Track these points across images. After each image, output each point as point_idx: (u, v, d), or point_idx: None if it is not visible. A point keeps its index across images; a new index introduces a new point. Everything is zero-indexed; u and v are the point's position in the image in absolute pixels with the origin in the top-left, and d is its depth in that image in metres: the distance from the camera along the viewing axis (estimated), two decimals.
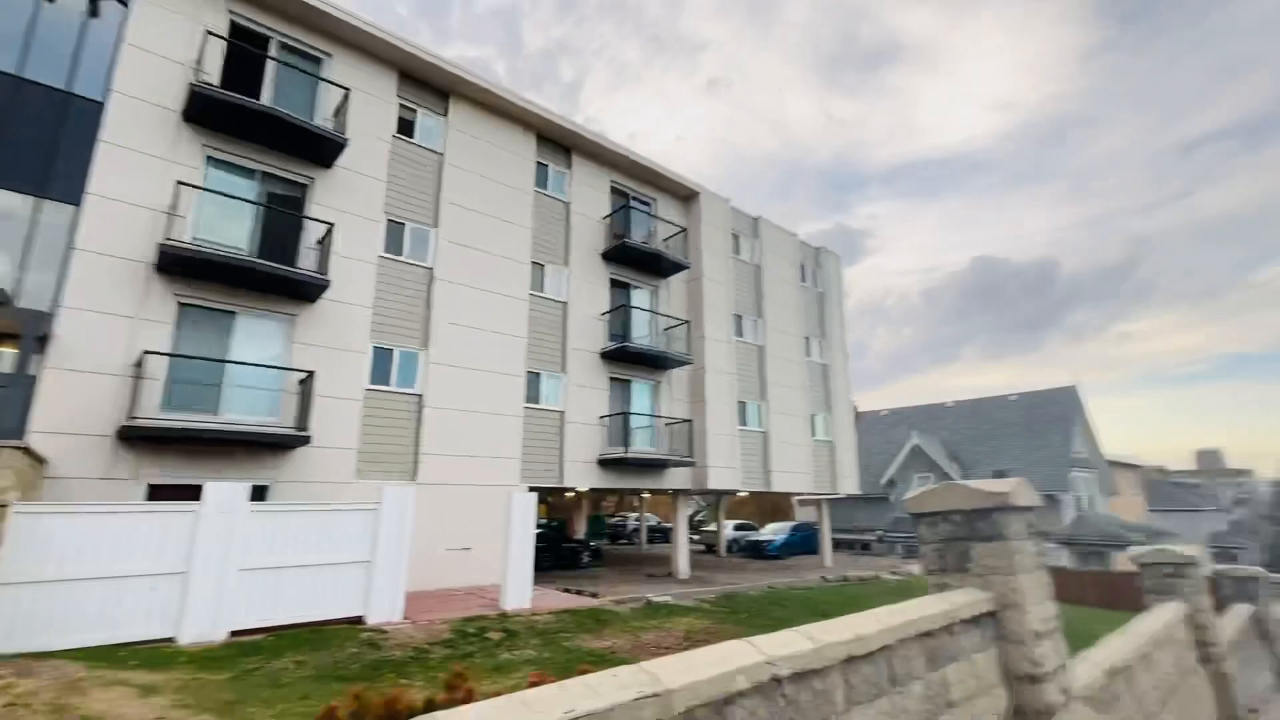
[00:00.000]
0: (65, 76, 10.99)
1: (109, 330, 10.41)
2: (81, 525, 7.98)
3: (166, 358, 10.84)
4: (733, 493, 23.01)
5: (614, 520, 35.69)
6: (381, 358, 13.71)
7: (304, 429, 11.62)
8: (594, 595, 13.67)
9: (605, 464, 17.03)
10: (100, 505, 8.51)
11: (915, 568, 22.31)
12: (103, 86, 11.10)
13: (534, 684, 1.82)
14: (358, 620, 9.77)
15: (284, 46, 13.40)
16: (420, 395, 14.08)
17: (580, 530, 27.96)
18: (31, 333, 9.75)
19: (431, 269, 14.76)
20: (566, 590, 14.22)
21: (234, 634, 8.65)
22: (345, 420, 12.78)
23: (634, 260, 18.72)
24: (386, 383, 13.68)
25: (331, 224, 12.74)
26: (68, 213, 10.52)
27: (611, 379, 17.92)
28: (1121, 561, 26.10)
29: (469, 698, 3.92)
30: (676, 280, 20.22)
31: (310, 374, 11.93)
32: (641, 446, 17.96)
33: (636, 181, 19.96)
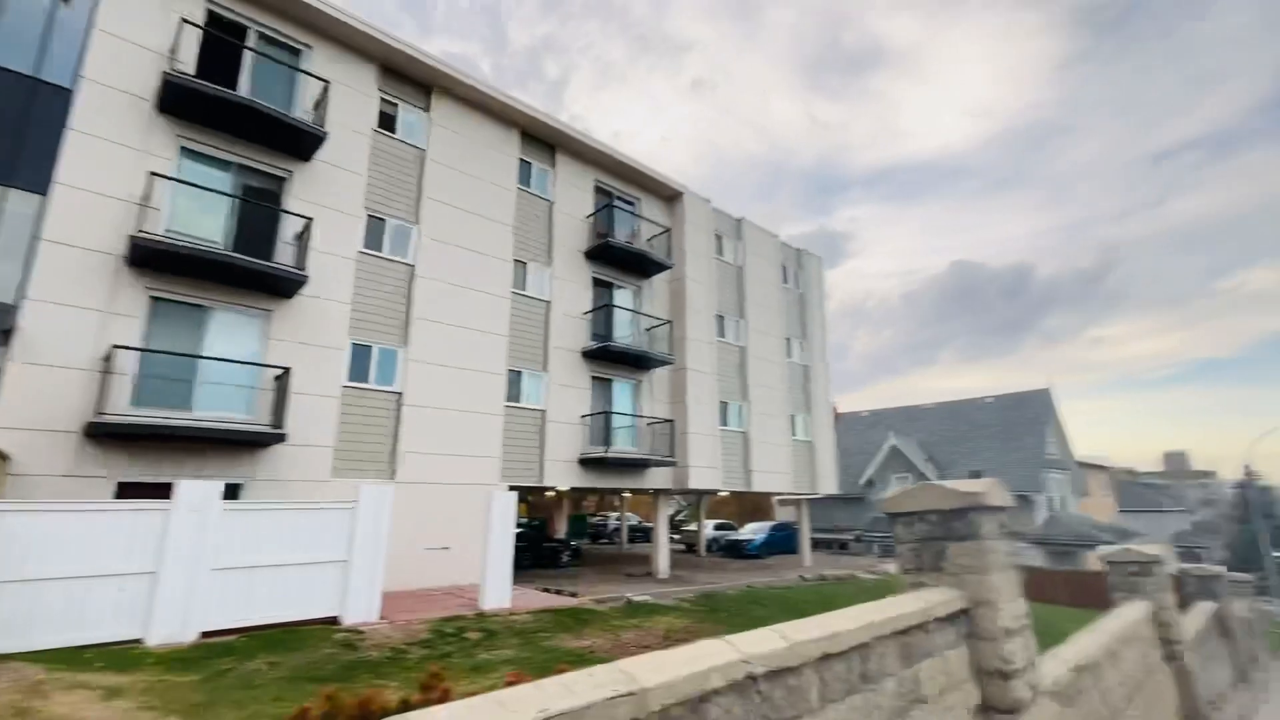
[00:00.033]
0: (33, 62, 10.66)
1: (77, 324, 10.13)
2: (45, 524, 7.76)
3: (137, 352, 10.59)
4: (713, 492, 23.12)
5: (595, 520, 35.63)
6: (360, 355, 13.53)
7: (279, 426, 11.43)
8: (574, 595, 13.64)
9: (586, 463, 17.00)
10: (66, 503, 8.30)
11: (892, 567, 22.59)
12: (72, 73, 10.80)
13: (511, 684, 1.81)
14: (333, 620, 9.64)
15: (262, 37, 13.15)
16: (400, 393, 13.92)
17: (561, 529, 27.89)
18: None
19: (412, 266, 14.61)
20: (546, 590, 14.17)
21: (205, 635, 8.48)
22: (322, 418, 12.60)
23: (617, 260, 18.71)
24: (365, 380, 13.51)
25: (310, 218, 12.54)
26: (34, 202, 10.21)
27: (593, 378, 17.89)
28: (1091, 561, 26.71)
29: (445, 698, 3.89)
30: (659, 280, 20.25)
31: (286, 370, 11.74)
32: (623, 446, 17.96)
33: (620, 181, 19.95)
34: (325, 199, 13.30)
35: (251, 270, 11.40)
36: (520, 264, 16.84)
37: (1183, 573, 11.16)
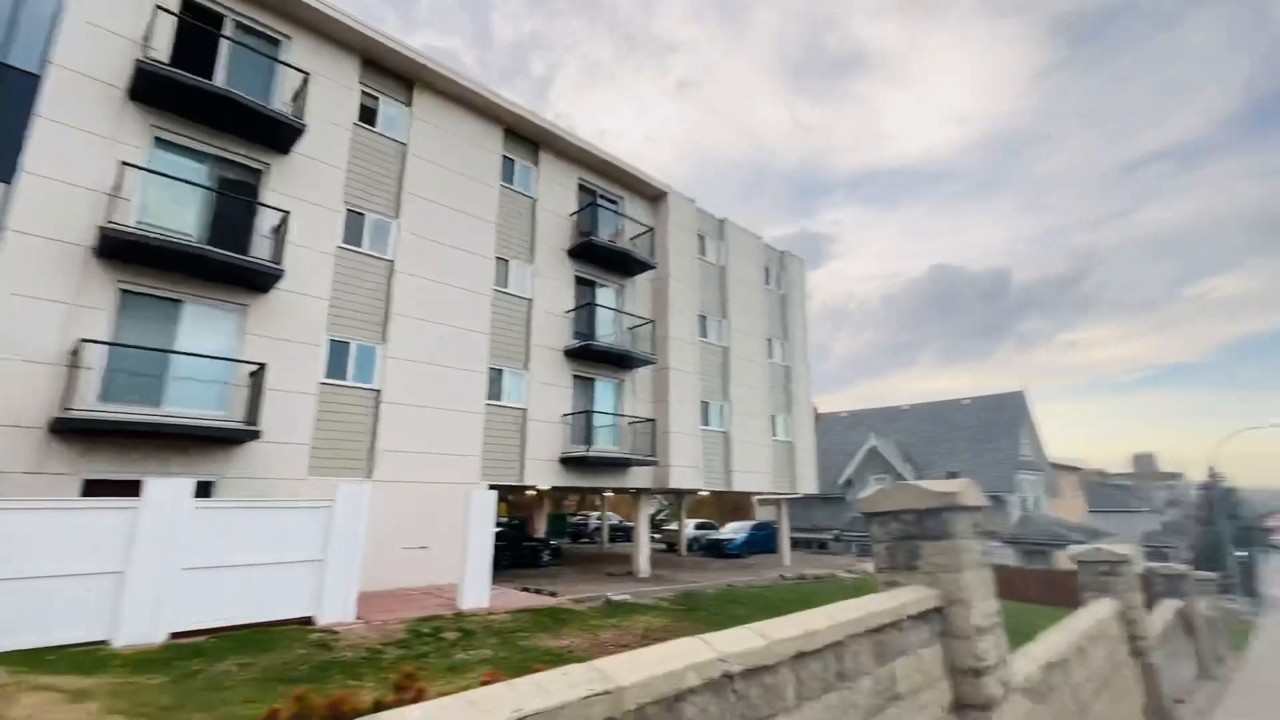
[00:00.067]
0: None
1: (42, 316, 9.84)
2: (7, 522, 7.53)
3: (105, 346, 10.31)
4: (694, 492, 23.19)
5: (575, 519, 35.55)
6: (338, 351, 13.33)
7: (254, 423, 11.21)
8: (553, 594, 13.59)
9: (567, 462, 16.94)
10: (28, 501, 8.07)
11: (870, 566, 22.86)
12: (40, 59, 10.48)
13: (485, 684, 1.79)
14: (308, 621, 9.50)
15: (240, 26, 12.89)
16: (378, 390, 13.74)
17: (541, 529, 27.76)
18: None
19: (392, 261, 14.43)
20: (526, 589, 14.10)
21: (175, 636, 8.30)
22: (298, 415, 12.39)
23: (600, 258, 18.67)
24: (343, 377, 13.32)
25: (287, 212, 12.32)
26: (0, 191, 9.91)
27: (575, 377, 17.83)
28: (1062, 560, 27.30)
29: (419, 698, 3.84)
30: (642, 279, 20.24)
31: (261, 366, 11.52)
32: (604, 445, 17.93)
33: (604, 179, 19.90)
34: (304, 192, 13.07)
35: (226, 264, 11.17)
36: (502, 261, 16.73)
37: (1150, 572, 11.45)
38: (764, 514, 33.29)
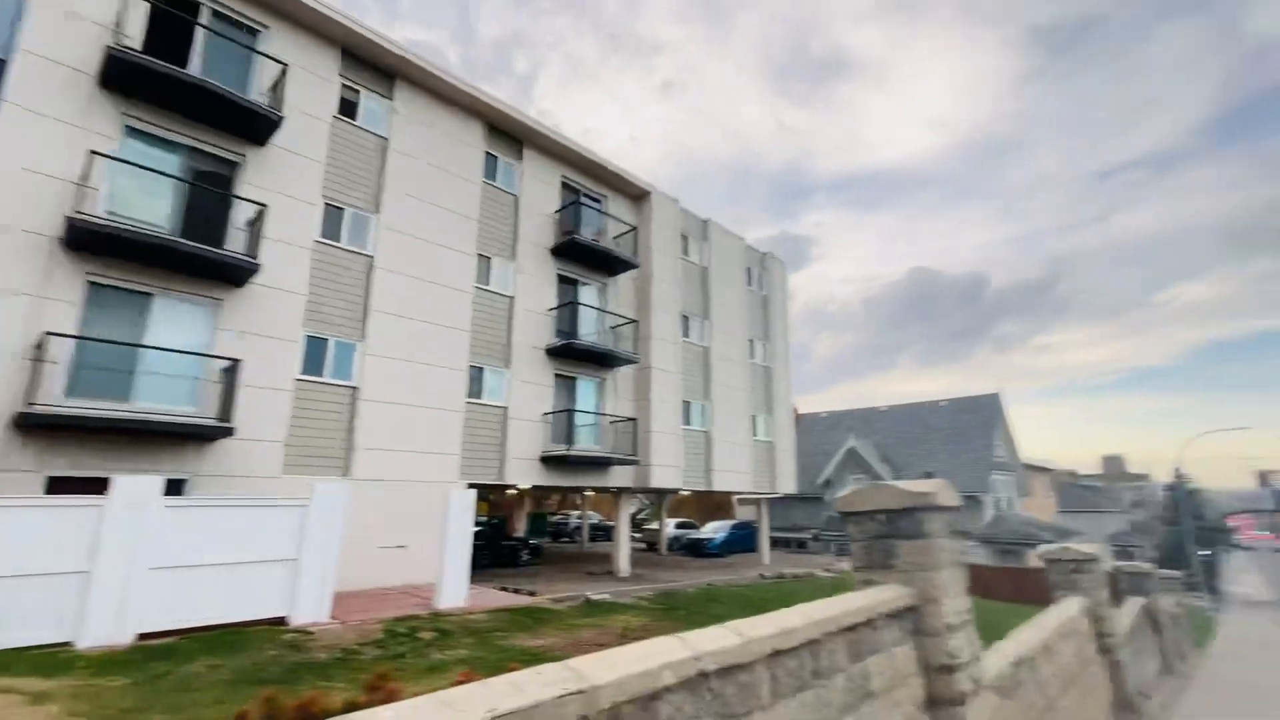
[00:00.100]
0: None
1: (6, 308, 9.53)
2: None
3: (72, 340, 10.03)
4: (675, 491, 23.24)
5: (556, 518, 35.42)
6: (315, 347, 13.12)
7: (227, 420, 10.99)
8: (532, 593, 13.53)
9: (548, 461, 16.87)
10: None
11: (848, 565, 23.11)
12: (6, 43, 10.16)
13: (460, 683, 1.78)
14: (281, 621, 9.34)
15: (216, 15, 12.62)
16: (356, 387, 13.56)
17: (521, 528, 27.62)
18: None
19: (371, 257, 14.24)
20: (504, 589, 14.02)
21: (143, 637, 8.10)
22: (273, 412, 12.17)
23: (583, 257, 18.61)
24: (320, 373, 13.11)
25: (264, 205, 12.09)
26: None
27: (557, 376, 17.76)
28: (1033, 559, 27.83)
29: (391, 698, 3.79)
30: (625, 279, 20.23)
31: (235, 362, 11.29)
32: (585, 444, 17.89)
33: (588, 178, 19.85)
34: (281, 185, 12.84)
35: (199, 256, 10.92)
36: (484, 258, 16.59)
37: (1117, 570, 11.74)
38: (744, 513, 33.49)
